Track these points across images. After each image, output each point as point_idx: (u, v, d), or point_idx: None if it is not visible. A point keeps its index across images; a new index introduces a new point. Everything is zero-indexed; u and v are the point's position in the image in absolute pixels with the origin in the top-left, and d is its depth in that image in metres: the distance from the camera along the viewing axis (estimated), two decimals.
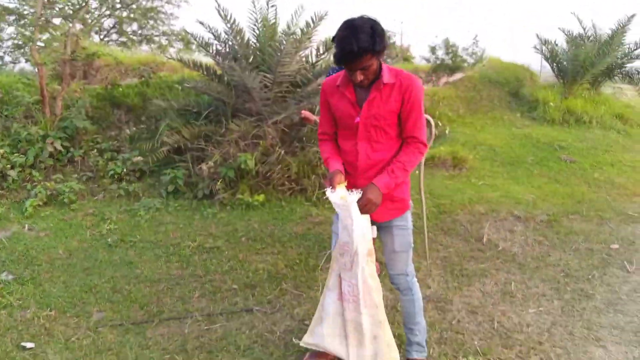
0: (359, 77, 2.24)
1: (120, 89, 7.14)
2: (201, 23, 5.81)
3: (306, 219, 4.96)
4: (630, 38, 12.46)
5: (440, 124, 8.76)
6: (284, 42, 5.26)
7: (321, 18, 5.67)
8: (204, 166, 5.28)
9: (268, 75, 5.45)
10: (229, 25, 5.53)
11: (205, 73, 5.88)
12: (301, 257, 4.17)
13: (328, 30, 6.38)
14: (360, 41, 2.07)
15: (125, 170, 5.78)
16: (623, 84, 13.76)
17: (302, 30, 5.56)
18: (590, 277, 3.89)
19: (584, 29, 12.06)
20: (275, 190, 5.37)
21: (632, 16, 11.34)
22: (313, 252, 4.27)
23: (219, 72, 5.90)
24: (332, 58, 6.22)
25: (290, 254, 4.24)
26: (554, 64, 11.31)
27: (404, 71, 2.47)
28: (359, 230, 2.26)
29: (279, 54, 5.24)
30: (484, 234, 4.74)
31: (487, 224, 4.98)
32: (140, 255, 4.27)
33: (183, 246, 4.41)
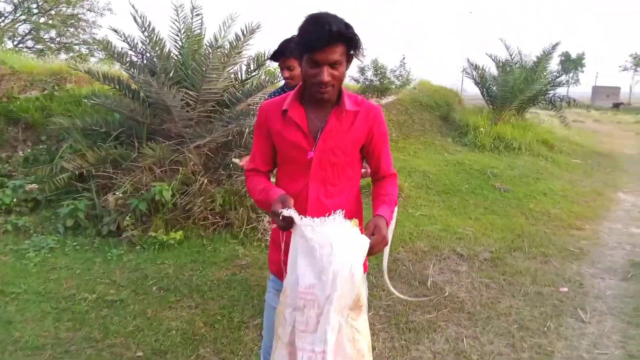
0: (326, 75, 1.78)
1: (18, 103, 6.17)
2: (115, 30, 5.05)
3: (231, 261, 4.32)
4: (553, 65, 12.91)
5: None
6: (210, 55, 4.64)
7: (253, 31, 5.11)
8: (110, 197, 4.52)
9: (191, 92, 4.80)
10: (146, 34, 4.83)
11: (117, 87, 5.12)
12: (224, 311, 3.53)
13: (260, 44, 5.84)
14: (338, 23, 1.74)
15: (15, 200, 4.87)
16: (546, 110, 14.28)
17: (231, 43, 4.96)
18: (545, 329, 3.54)
19: (511, 55, 12.32)
20: (195, 226, 4.69)
21: (557, 44, 11.72)
22: (238, 304, 3.64)
23: (134, 87, 5.17)
24: (263, 76, 5.68)
25: (211, 307, 3.58)
26: (484, 89, 11.42)
27: (364, 98, 2.04)
28: (343, 264, 1.53)
29: (203, 68, 4.61)
30: (428, 275, 4.32)
31: (430, 263, 4.58)
32: (23, 312, 3.45)
33: (78, 299, 3.63)
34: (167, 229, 4.57)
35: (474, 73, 11.36)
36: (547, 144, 10.97)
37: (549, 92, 12.25)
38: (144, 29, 4.78)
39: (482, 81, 11.27)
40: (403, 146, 9.40)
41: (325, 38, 1.69)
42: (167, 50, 5.01)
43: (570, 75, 71.18)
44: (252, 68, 5.37)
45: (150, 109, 4.92)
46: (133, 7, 4.84)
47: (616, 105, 37.77)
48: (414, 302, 3.87)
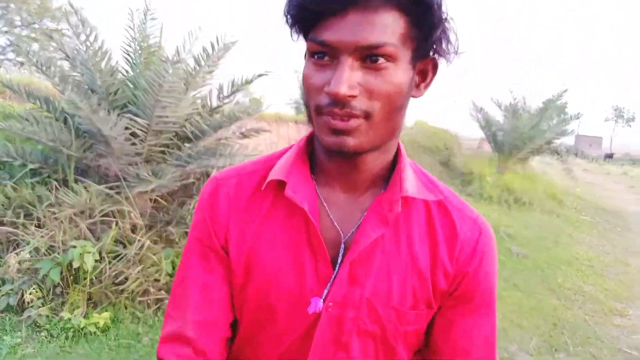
0: (346, 78, 0.68)
1: None
2: (50, 36, 3.87)
3: None
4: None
5: None
6: (169, 72, 3.44)
7: (227, 47, 3.95)
8: (12, 258, 3.21)
9: (139, 120, 3.57)
10: (83, 37, 3.61)
11: (43, 107, 3.88)
12: None
13: (236, 67, 4.69)
14: None
15: None
16: (544, 160, 13.43)
17: (196, 59, 3.77)
18: None
19: (514, 100, 11.42)
20: (131, 304, 3.38)
21: (565, 91, 10.87)
22: None
23: (67, 108, 3.92)
24: (239, 103, 4.49)
25: None
26: (489, 135, 10.42)
27: (451, 191, 0.85)
28: None
29: (156, 88, 3.40)
30: None
31: None
32: None
33: None
34: (90, 307, 3.26)
35: (479, 116, 10.35)
36: (555, 198, 9.94)
37: (554, 140, 11.35)
38: (79, 31, 3.56)
39: (487, 125, 10.27)
40: None
41: None
42: (112, 64, 3.78)
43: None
44: (225, 93, 4.17)
45: (83, 139, 3.66)
46: (71, 4, 3.65)
47: (609, 156, 38.06)
48: None
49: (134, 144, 3.64)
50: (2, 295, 3.28)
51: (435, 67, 0.77)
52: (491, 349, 0.87)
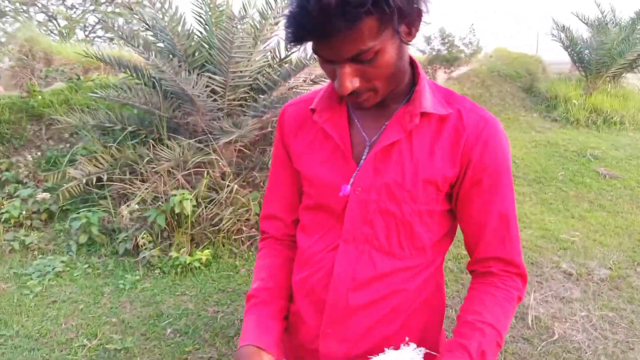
0: (347, 81, 0.90)
1: (40, 97, 5.53)
2: (130, 8, 4.24)
3: None
4: None
5: None
6: (236, 29, 3.69)
7: None
8: (124, 209, 3.73)
9: (217, 77, 3.90)
10: (159, 5, 3.94)
11: (134, 75, 4.32)
12: None
13: None
14: None
15: (25, 212, 4.20)
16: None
17: (261, 12, 3.99)
18: None
19: (602, 13, 10.49)
20: (228, 242, 3.82)
21: None
22: None
23: (154, 74, 4.33)
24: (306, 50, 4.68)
25: None
26: (574, 54, 9.77)
27: (467, 99, 1.03)
28: None
29: (228, 46, 3.68)
30: (529, 306, 3.23)
31: (529, 288, 3.47)
32: None
33: (75, 346, 2.86)
34: (193, 247, 3.74)
35: (562, 35, 9.71)
36: None
37: None
38: (154, 2, 3.89)
39: (572, 44, 9.62)
40: None
41: (317, 16, 0.79)
42: (187, 27, 4.10)
43: None
44: None
45: (171, 100, 4.07)
46: None
47: None
48: (512, 346, 2.81)
49: (215, 100, 3.99)
50: (120, 242, 3.85)
51: (419, 14, 0.87)
52: (506, 223, 1.04)
